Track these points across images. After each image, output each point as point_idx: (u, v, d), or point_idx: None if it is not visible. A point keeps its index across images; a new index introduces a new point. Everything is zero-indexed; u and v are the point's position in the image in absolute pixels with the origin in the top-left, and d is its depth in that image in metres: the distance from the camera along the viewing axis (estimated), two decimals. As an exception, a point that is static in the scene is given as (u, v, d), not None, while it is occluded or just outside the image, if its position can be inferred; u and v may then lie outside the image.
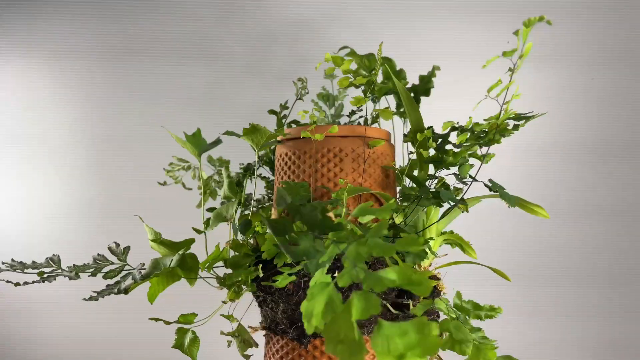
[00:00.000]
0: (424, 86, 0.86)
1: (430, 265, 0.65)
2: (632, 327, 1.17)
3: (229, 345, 0.69)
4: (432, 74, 0.86)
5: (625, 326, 1.17)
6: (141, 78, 1.18)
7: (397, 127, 0.88)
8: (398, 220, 0.62)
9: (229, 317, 0.65)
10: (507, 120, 0.57)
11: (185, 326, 0.63)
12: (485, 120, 0.61)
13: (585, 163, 1.17)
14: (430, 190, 0.59)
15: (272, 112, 0.82)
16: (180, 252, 0.68)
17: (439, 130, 0.74)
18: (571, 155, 1.17)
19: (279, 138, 0.71)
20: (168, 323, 0.62)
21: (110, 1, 1.17)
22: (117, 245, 0.75)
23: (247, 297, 0.69)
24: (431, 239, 0.62)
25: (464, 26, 1.18)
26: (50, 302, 1.18)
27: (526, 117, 0.56)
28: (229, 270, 0.69)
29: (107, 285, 0.69)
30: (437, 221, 0.65)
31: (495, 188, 0.58)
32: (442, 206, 0.60)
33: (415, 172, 0.67)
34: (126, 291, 0.67)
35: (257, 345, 0.66)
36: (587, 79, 1.16)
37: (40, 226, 1.17)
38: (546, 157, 1.17)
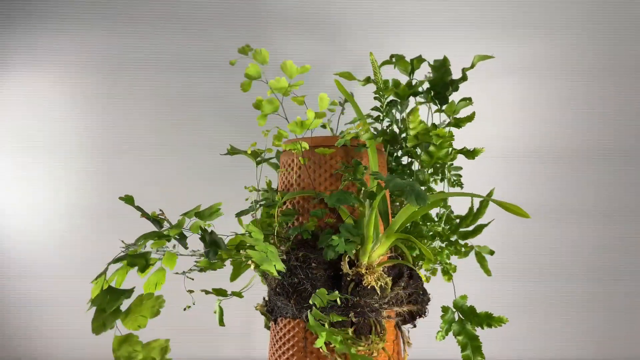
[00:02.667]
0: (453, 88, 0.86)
1: (376, 261, 0.68)
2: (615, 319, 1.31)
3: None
4: (463, 78, 0.85)
5: (609, 318, 1.31)
6: (148, 88, 1.29)
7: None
8: (348, 220, 0.70)
9: (239, 294, 0.83)
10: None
11: (221, 297, 0.84)
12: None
13: (580, 166, 1.31)
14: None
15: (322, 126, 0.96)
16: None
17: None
18: (564, 160, 1.30)
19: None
20: (206, 292, 0.83)
21: (123, 15, 1.30)
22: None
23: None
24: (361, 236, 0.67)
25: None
26: (55, 301, 1.30)
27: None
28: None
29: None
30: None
31: (395, 187, 0.59)
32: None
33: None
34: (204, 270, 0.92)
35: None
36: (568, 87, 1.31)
37: (45, 227, 1.29)
38: (535, 162, 1.29)
